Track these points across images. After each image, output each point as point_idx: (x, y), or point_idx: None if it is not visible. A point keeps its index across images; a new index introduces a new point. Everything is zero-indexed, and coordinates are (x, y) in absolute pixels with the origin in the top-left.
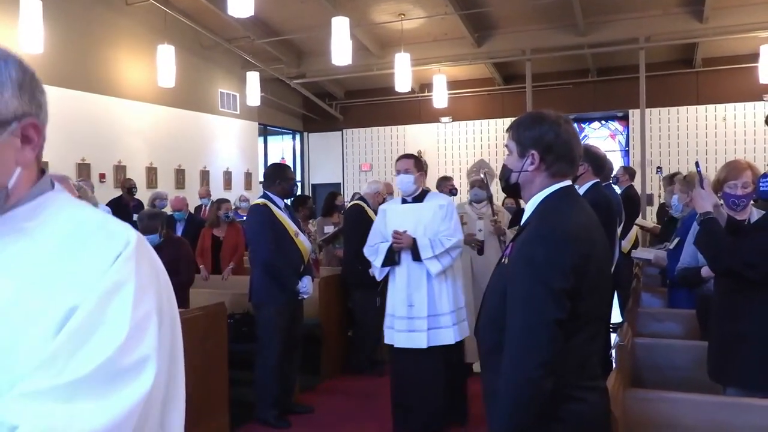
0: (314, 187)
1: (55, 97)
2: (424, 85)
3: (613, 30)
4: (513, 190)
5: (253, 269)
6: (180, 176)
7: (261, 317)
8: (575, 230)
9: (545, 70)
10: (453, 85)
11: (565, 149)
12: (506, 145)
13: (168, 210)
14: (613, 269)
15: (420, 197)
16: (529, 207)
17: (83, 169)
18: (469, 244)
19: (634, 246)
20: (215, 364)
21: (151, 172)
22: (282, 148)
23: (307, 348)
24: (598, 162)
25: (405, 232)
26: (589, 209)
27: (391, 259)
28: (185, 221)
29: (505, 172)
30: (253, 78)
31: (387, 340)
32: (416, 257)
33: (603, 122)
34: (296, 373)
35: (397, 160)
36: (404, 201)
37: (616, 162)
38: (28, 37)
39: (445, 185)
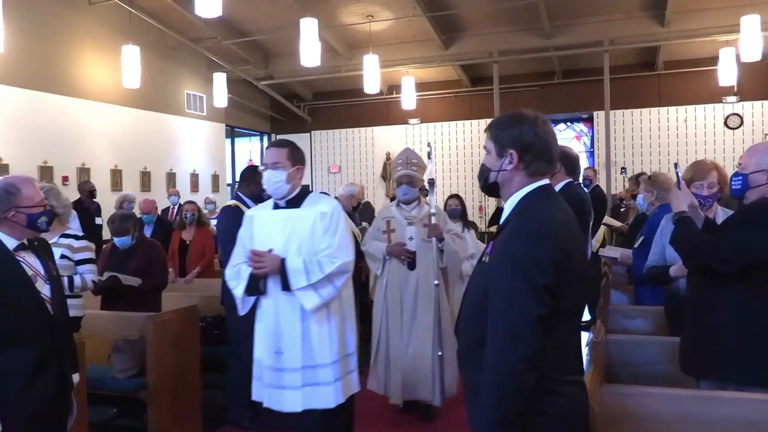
0: None
1: (16, 98)
2: (392, 87)
3: (578, 33)
4: (492, 189)
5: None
6: (146, 178)
7: (233, 320)
8: (556, 227)
9: (512, 72)
10: (421, 86)
11: (544, 148)
12: (485, 146)
13: (137, 212)
14: None
15: (296, 201)
16: (508, 206)
17: (46, 172)
18: (398, 257)
19: (603, 245)
20: (188, 367)
21: (116, 175)
22: (250, 150)
23: None
24: (570, 162)
25: (270, 251)
26: (567, 207)
27: (256, 286)
28: (154, 224)
29: (484, 171)
30: (219, 79)
31: (255, 396)
32: (286, 286)
33: (568, 124)
34: None
35: (267, 148)
36: (276, 206)
37: (583, 163)
38: None
39: None
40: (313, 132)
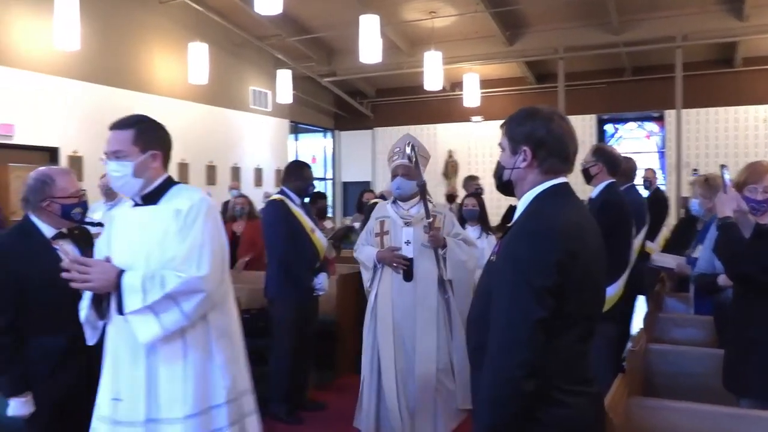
0: (345, 185)
1: (90, 93)
2: (455, 84)
3: (649, 28)
4: (506, 188)
5: (268, 265)
6: (211, 173)
7: (275, 313)
8: (562, 227)
9: (578, 68)
10: (485, 83)
11: (558, 145)
12: (499, 143)
13: None
14: (629, 272)
15: (154, 196)
16: (520, 204)
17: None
18: (389, 265)
19: (665, 249)
20: None
21: (183, 168)
22: (313, 146)
23: (321, 345)
24: (612, 161)
25: (107, 259)
26: (584, 208)
27: (99, 307)
28: None
29: (498, 169)
30: (284, 76)
31: None
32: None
33: (639, 123)
34: (309, 370)
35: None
36: (136, 203)
37: (653, 164)
38: (65, 33)
39: (471, 185)
40: (375, 129)
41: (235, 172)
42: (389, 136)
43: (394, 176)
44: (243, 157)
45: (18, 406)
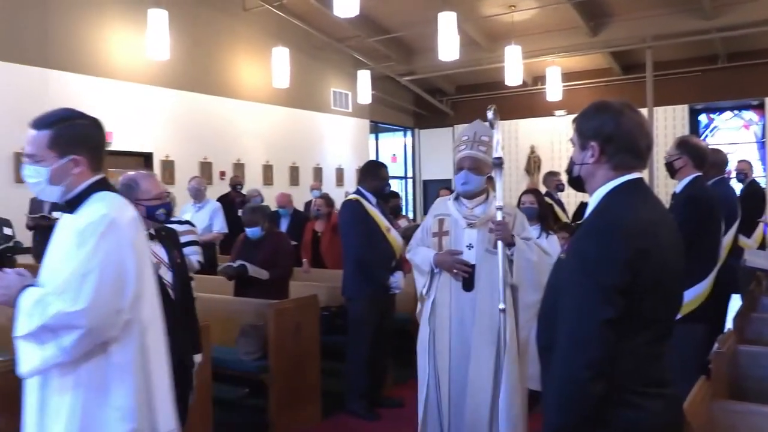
0: (425, 183)
1: (180, 100)
2: (537, 78)
3: (745, 11)
4: (577, 184)
5: (345, 264)
6: (294, 173)
7: (352, 311)
8: (633, 224)
9: (668, 57)
10: (568, 76)
11: (628, 140)
12: (570, 139)
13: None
14: (718, 270)
15: (75, 204)
16: (591, 201)
17: (205, 168)
18: (449, 271)
19: (761, 246)
20: (308, 354)
21: (268, 170)
22: (393, 145)
23: (399, 342)
24: (698, 154)
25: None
26: (659, 204)
27: None
28: (290, 216)
29: (569, 165)
30: (363, 76)
31: None
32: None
33: (735, 111)
34: (387, 367)
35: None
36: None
37: (752, 155)
38: (156, 44)
39: (552, 181)
40: (455, 126)
41: (317, 172)
42: None
43: (459, 169)
44: (325, 157)
45: None
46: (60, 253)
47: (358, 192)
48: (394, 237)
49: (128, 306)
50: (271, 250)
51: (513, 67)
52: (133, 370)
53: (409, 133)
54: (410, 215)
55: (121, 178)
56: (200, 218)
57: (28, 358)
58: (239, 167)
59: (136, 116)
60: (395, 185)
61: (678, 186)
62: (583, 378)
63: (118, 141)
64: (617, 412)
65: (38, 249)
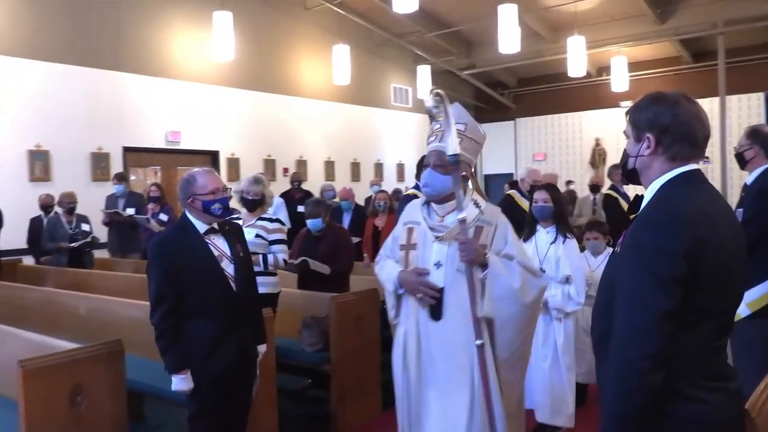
0: (487, 177)
1: (244, 99)
2: (601, 69)
3: None
4: (632, 176)
5: None
6: (356, 169)
7: None
8: (690, 215)
9: (741, 43)
10: (634, 66)
11: (684, 130)
12: (624, 131)
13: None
14: None
15: None
16: (647, 194)
17: (269, 165)
18: (413, 295)
19: None
20: (368, 347)
21: (329, 166)
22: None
23: None
24: None
25: None
26: (718, 196)
27: None
28: (352, 211)
29: (623, 157)
30: (423, 71)
31: None
32: None
33: None
34: None
35: None
36: None
37: None
38: (221, 46)
39: (616, 174)
40: (517, 119)
41: (378, 168)
42: (531, 126)
43: (425, 165)
44: (385, 153)
45: (178, 382)
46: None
47: (416, 186)
48: None
49: None
50: (332, 244)
51: (576, 58)
52: None
53: None
54: None
55: (184, 175)
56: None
57: None
58: (302, 164)
59: (203, 116)
60: None
61: (749, 177)
62: (642, 369)
63: (186, 140)
64: (679, 404)
65: (113, 243)
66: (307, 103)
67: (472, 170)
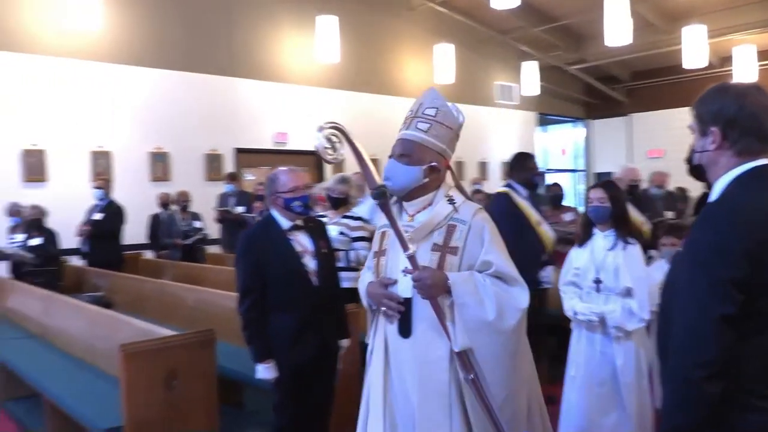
0: (599, 176)
1: (348, 100)
2: (724, 59)
3: None
4: (698, 172)
5: None
6: (459, 169)
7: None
8: (754, 213)
9: None
10: (763, 55)
11: (752, 123)
12: (689, 126)
13: None
14: None
15: None
16: (714, 191)
17: (373, 165)
18: (380, 308)
19: None
20: None
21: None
22: (562, 137)
23: (553, 339)
24: None
25: None
26: None
27: None
28: None
29: (689, 153)
30: (529, 68)
31: None
32: None
33: None
34: (541, 363)
35: None
36: None
37: None
38: (325, 48)
39: None
40: (631, 115)
41: (482, 167)
42: (647, 121)
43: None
44: (490, 152)
45: (262, 371)
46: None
47: (508, 185)
48: (545, 230)
49: None
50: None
51: (695, 48)
52: None
53: (579, 124)
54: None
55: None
56: (360, 212)
57: None
58: None
59: (308, 117)
60: (565, 179)
61: None
62: (696, 378)
63: (292, 141)
64: (742, 416)
65: (225, 240)
66: (409, 103)
67: (449, 162)
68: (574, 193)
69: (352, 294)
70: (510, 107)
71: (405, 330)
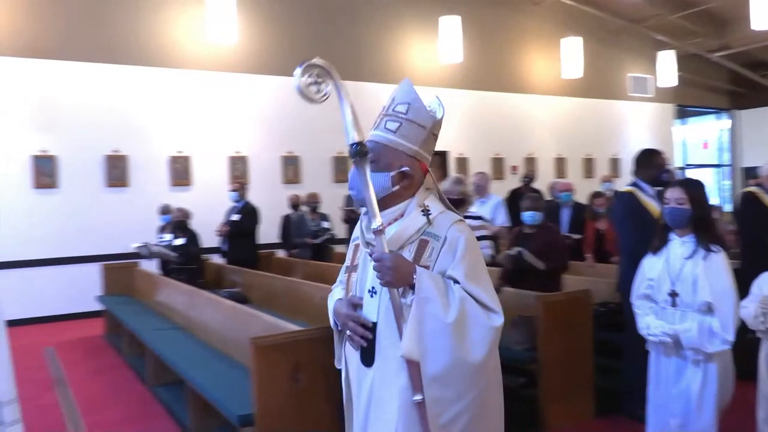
0: (746, 171)
1: (472, 99)
2: None
3: None
4: None
5: (620, 258)
6: (588, 165)
7: (628, 307)
8: None
9: None
10: None
11: None
12: None
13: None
14: None
15: None
16: None
17: (497, 163)
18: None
19: None
20: (579, 349)
21: (560, 163)
22: (704, 130)
23: None
24: None
25: None
26: None
27: None
28: (572, 207)
29: None
30: (666, 57)
31: None
32: None
33: None
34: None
35: None
36: None
37: None
38: (448, 49)
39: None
40: None
41: (614, 163)
42: None
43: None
44: (622, 147)
45: None
46: None
47: (633, 183)
48: None
49: None
50: (544, 243)
51: None
52: None
53: (724, 116)
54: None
55: None
56: (483, 213)
57: None
58: (530, 161)
59: None
60: (707, 174)
61: None
62: None
63: None
64: None
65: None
66: (535, 100)
67: (426, 165)
68: (717, 190)
69: None
70: (644, 100)
71: (367, 358)
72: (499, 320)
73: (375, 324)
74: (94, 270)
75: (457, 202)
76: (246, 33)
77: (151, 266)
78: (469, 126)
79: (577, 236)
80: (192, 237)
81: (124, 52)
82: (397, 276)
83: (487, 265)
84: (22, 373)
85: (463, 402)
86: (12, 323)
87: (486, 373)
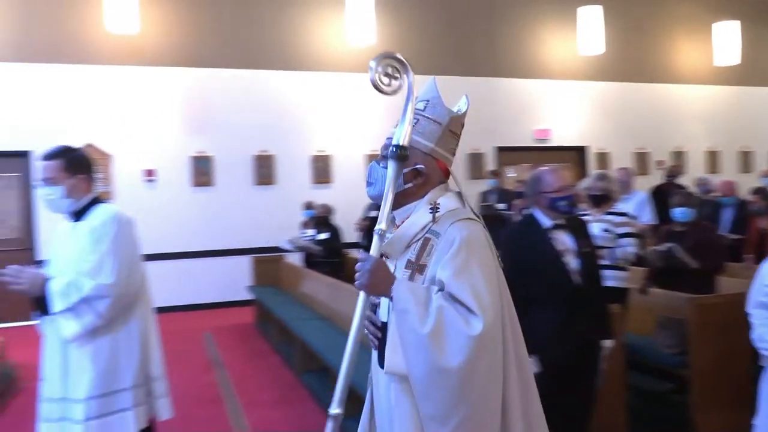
0: None
1: (613, 91)
2: None
3: None
4: None
5: None
6: (744, 159)
7: None
8: None
9: None
10: None
11: None
12: None
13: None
14: None
15: (81, 213)
16: None
17: (640, 158)
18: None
19: None
20: (736, 355)
21: (712, 156)
22: None
23: None
24: None
25: (38, 267)
26: None
27: (42, 306)
28: (735, 207)
29: None
30: None
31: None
32: (46, 309)
33: None
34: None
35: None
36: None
37: None
38: (588, 40)
39: None
40: None
41: None
42: None
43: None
44: None
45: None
46: (76, 248)
47: None
48: None
49: (139, 282)
50: (697, 241)
51: None
52: (135, 328)
53: None
54: None
55: (529, 174)
56: (627, 210)
57: (68, 326)
58: (678, 155)
59: (570, 112)
60: None
61: None
62: None
63: (555, 137)
64: None
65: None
66: (684, 89)
67: (447, 164)
68: None
69: (618, 293)
70: None
71: (381, 358)
72: (478, 326)
73: (384, 324)
74: (244, 261)
75: (600, 199)
76: (384, 35)
77: (295, 259)
78: (609, 119)
79: (736, 236)
80: (335, 232)
81: (269, 58)
82: (372, 280)
83: (632, 264)
84: (184, 354)
85: (454, 420)
86: (171, 309)
87: (476, 387)
